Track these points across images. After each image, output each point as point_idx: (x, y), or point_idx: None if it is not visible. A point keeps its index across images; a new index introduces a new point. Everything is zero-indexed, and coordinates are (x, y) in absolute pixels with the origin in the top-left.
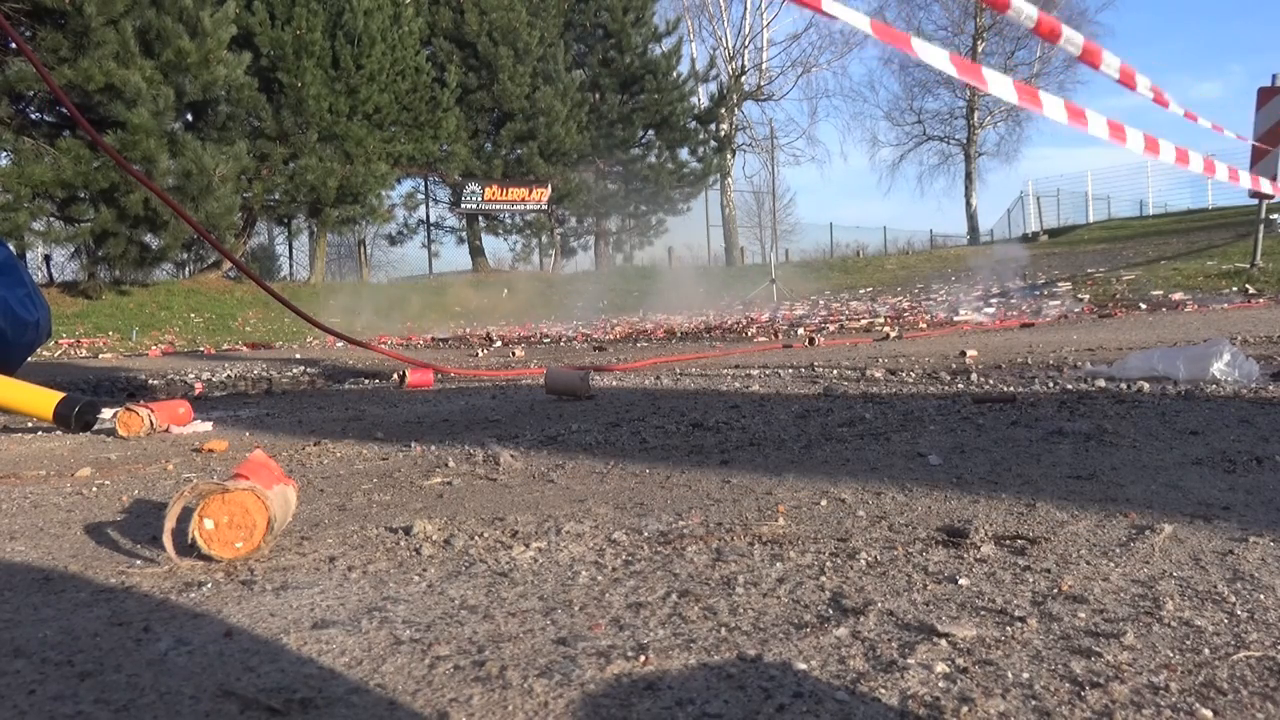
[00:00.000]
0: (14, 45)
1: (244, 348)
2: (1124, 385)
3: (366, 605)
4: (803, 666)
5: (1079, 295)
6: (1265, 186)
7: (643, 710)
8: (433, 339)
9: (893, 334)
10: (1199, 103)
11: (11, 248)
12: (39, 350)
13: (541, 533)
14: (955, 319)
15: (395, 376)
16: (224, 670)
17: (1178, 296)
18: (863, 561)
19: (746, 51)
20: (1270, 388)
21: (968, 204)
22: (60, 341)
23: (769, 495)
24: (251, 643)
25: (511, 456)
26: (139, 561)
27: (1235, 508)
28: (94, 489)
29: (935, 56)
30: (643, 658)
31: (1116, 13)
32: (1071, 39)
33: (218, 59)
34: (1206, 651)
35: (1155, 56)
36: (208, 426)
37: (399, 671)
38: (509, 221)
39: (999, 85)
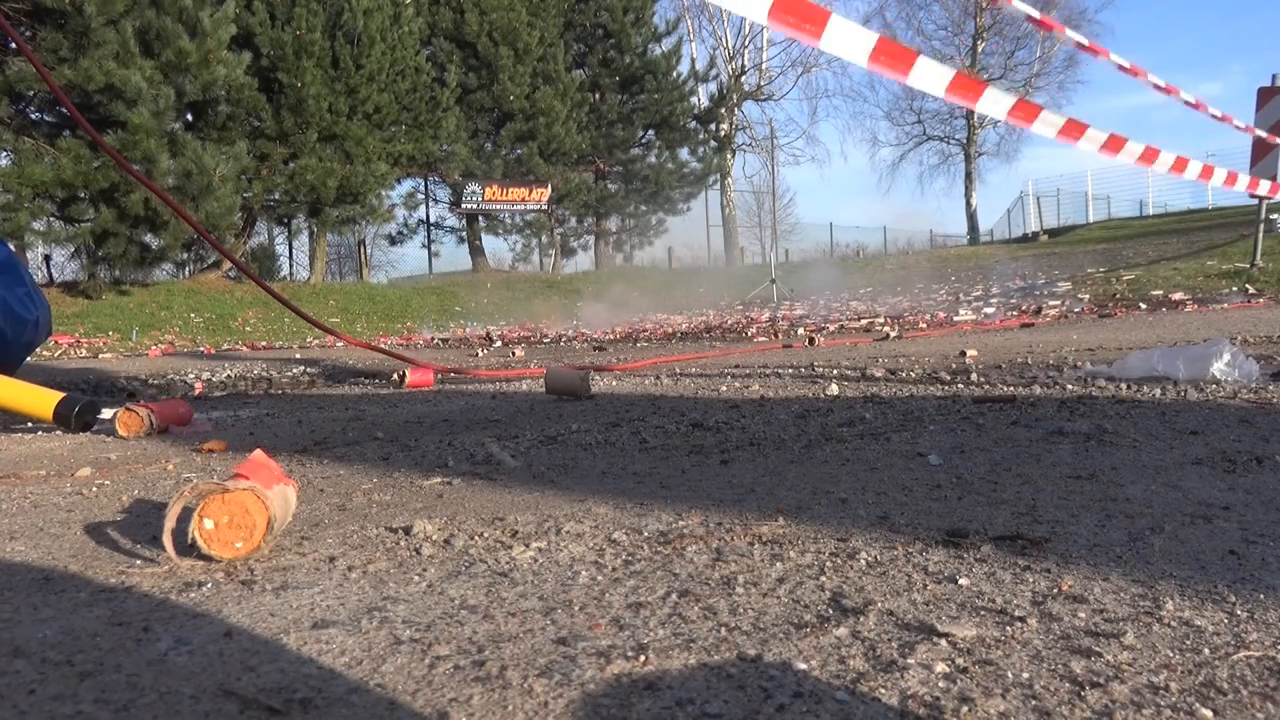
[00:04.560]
0: (14, 45)
1: (244, 348)
2: (1124, 385)
3: (366, 605)
4: (803, 666)
5: (1079, 295)
6: (1264, 189)
7: (643, 710)
8: (433, 339)
9: (893, 334)
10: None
11: (11, 247)
12: (38, 350)
13: (541, 533)
14: (955, 319)
15: (395, 376)
16: (224, 670)
17: (1178, 296)
18: (863, 561)
19: (746, 51)
20: (1270, 388)
21: (968, 204)
22: (60, 341)
23: (769, 495)
24: (251, 643)
25: (511, 456)
26: (139, 561)
27: (1235, 508)
28: (94, 489)
29: (934, 79)
30: (643, 658)
31: (1116, 12)
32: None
33: (218, 59)
34: (1206, 651)
35: (1155, 56)
36: (208, 426)
37: (399, 671)
38: (509, 221)
39: (996, 105)
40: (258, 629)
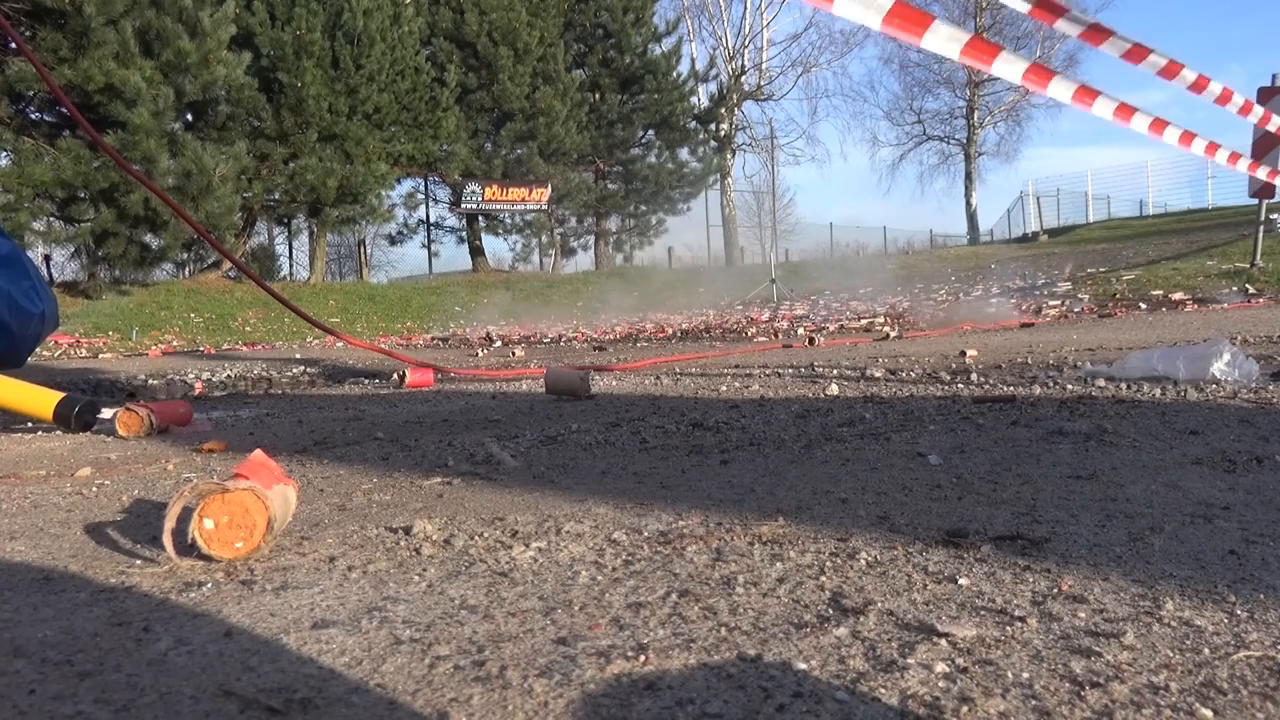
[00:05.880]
0: (14, 45)
1: (244, 348)
2: (1124, 385)
3: (366, 605)
4: (803, 666)
5: (1079, 295)
6: (1263, 173)
7: (643, 710)
8: (433, 339)
9: (893, 334)
10: (1199, 102)
11: (15, 242)
12: (39, 350)
13: (541, 533)
14: (955, 319)
15: (395, 376)
16: (224, 670)
17: (1178, 296)
18: (863, 561)
19: (746, 51)
20: (1270, 388)
21: (968, 204)
22: (60, 341)
23: (769, 495)
24: (251, 643)
25: (511, 456)
26: (139, 561)
27: (1235, 508)
28: (94, 489)
29: (943, 43)
30: (643, 658)
31: (1116, 12)
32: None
33: (218, 59)
34: (1206, 651)
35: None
36: (208, 426)
37: (399, 671)
38: (509, 221)
39: (1008, 68)
40: (258, 629)
